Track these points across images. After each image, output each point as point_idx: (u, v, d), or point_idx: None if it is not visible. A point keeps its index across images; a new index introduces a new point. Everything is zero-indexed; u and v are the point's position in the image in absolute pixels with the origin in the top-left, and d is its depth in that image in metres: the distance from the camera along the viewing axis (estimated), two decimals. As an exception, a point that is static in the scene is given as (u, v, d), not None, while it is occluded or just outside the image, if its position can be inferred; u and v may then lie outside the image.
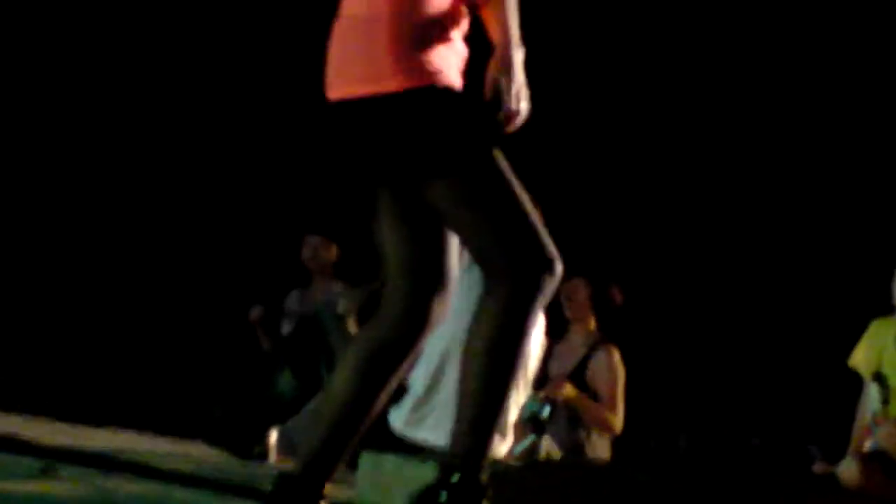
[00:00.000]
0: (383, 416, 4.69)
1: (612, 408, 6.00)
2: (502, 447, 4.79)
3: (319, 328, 5.66)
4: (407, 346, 2.96)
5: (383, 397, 2.98)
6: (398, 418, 4.76)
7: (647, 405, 6.72)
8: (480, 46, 2.94)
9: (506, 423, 4.75)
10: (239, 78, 8.27)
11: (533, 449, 5.13)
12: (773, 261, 7.73)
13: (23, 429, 5.22)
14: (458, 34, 2.96)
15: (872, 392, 5.37)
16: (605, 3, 7.17)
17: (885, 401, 5.30)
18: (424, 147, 2.83)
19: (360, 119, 2.89)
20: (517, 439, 5.20)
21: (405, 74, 2.84)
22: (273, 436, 5.58)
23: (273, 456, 5.56)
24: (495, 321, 2.81)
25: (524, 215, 2.84)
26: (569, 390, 5.89)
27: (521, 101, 2.90)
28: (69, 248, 8.16)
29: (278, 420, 5.59)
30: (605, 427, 5.98)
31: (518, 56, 2.90)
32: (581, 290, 6.13)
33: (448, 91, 2.87)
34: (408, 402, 4.75)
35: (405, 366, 2.99)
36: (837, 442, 5.73)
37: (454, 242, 2.98)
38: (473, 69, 2.96)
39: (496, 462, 3.92)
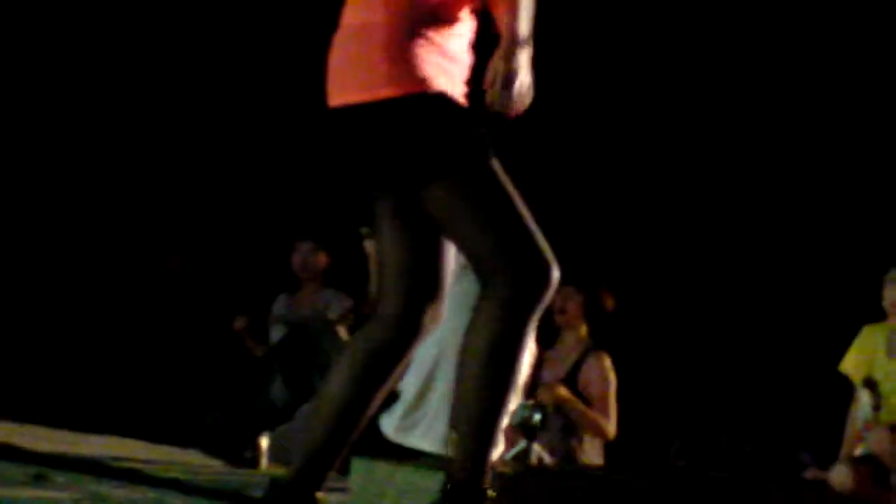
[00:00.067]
0: (374, 422, 4.70)
1: (605, 414, 6.02)
2: (493, 453, 4.79)
3: (311, 335, 5.66)
4: (400, 351, 2.97)
5: (376, 402, 2.99)
6: (389, 424, 4.77)
7: (640, 412, 6.73)
8: (488, 53, 2.93)
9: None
10: (226, 83, 8.27)
11: (524, 455, 5.13)
12: (764, 267, 7.73)
13: (16, 435, 5.21)
14: (458, 42, 2.96)
15: (864, 398, 5.38)
16: (581, 13, 7.17)
17: (877, 406, 5.32)
18: (416, 154, 2.84)
19: (355, 126, 2.90)
20: (508, 445, 5.21)
21: (398, 82, 2.85)
22: (265, 442, 5.58)
23: (264, 462, 5.56)
24: (493, 326, 2.81)
25: (522, 221, 2.84)
26: (563, 392, 5.90)
27: (522, 97, 2.87)
28: (61, 255, 8.14)
29: (270, 427, 5.59)
30: (599, 432, 5.99)
31: (523, 53, 2.87)
32: (572, 299, 6.14)
33: (441, 98, 2.87)
34: (399, 408, 4.76)
35: (398, 371, 3.00)
36: (829, 448, 5.74)
37: (450, 250, 2.99)
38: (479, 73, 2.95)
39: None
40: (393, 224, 2.98)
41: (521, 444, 5.08)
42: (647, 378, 7.33)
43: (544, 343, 5.95)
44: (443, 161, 2.83)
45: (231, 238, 8.26)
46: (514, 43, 2.85)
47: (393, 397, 4.70)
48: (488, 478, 2.86)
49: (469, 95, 2.97)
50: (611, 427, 6.02)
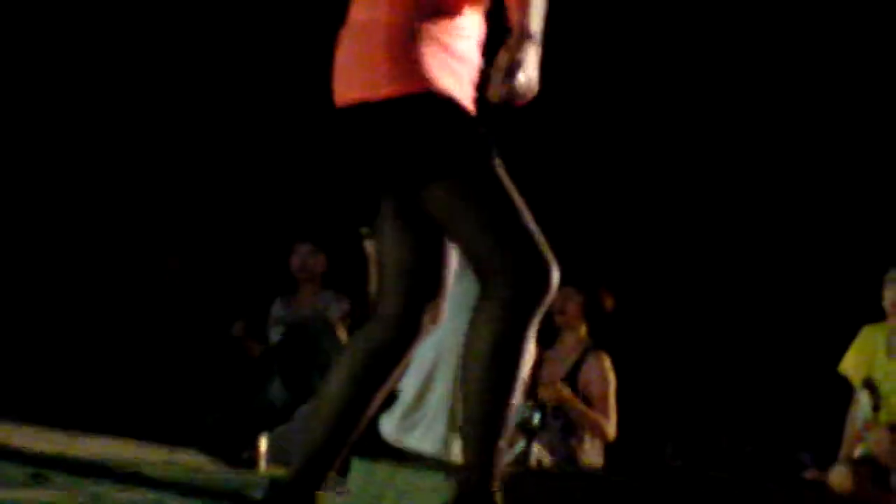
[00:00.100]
0: (374, 423, 4.69)
1: (605, 414, 6.01)
2: (503, 455, 4.78)
3: (310, 334, 5.65)
4: (400, 351, 2.96)
5: (376, 403, 2.99)
6: (388, 425, 4.76)
7: (639, 412, 6.72)
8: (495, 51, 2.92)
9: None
10: (227, 84, 8.27)
11: (524, 455, 5.13)
12: (763, 268, 7.73)
13: (15, 435, 5.21)
14: (466, 43, 2.95)
15: (863, 398, 5.38)
16: (581, 13, 7.16)
17: (876, 407, 5.32)
18: (416, 154, 2.84)
19: (358, 125, 2.89)
20: (507, 446, 5.21)
21: (400, 81, 2.84)
22: (263, 443, 5.58)
23: (263, 463, 5.56)
24: (493, 326, 2.80)
25: (522, 222, 2.83)
26: (564, 391, 5.90)
27: (526, 91, 2.85)
28: (61, 255, 8.14)
29: (268, 427, 5.59)
30: (599, 433, 5.99)
31: (531, 48, 2.84)
32: (572, 299, 6.14)
33: (442, 97, 2.86)
34: (398, 409, 4.75)
35: (397, 372, 3.00)
36: (828, 448, 5.74)
37: (451, 252, 2.98)
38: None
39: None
40: (394, 224, 2.97)
41: (521, 444, 5.08)
42: (647, 378, 7.33)
43: (544, 343, 5.95)
44: (443, 161, 2.83)
45: (231, 239, 8.26)
46: (523, 35, 2.84)
47: (392, 398, 4.70)
48: (497, 480, 2.84)
49: (477, 96, 2.96)
50: (611, 427, 6.01)
